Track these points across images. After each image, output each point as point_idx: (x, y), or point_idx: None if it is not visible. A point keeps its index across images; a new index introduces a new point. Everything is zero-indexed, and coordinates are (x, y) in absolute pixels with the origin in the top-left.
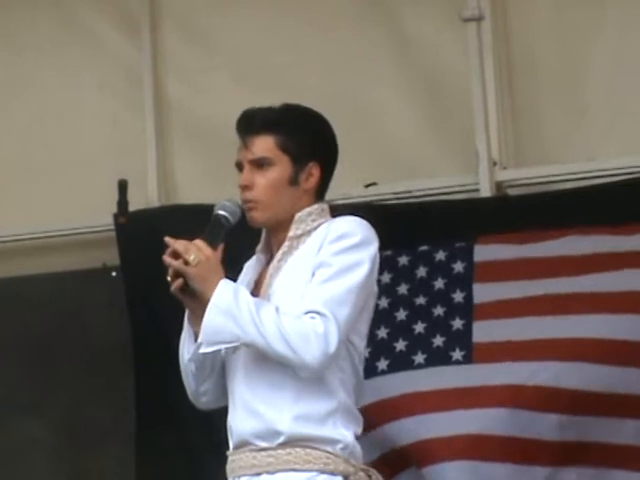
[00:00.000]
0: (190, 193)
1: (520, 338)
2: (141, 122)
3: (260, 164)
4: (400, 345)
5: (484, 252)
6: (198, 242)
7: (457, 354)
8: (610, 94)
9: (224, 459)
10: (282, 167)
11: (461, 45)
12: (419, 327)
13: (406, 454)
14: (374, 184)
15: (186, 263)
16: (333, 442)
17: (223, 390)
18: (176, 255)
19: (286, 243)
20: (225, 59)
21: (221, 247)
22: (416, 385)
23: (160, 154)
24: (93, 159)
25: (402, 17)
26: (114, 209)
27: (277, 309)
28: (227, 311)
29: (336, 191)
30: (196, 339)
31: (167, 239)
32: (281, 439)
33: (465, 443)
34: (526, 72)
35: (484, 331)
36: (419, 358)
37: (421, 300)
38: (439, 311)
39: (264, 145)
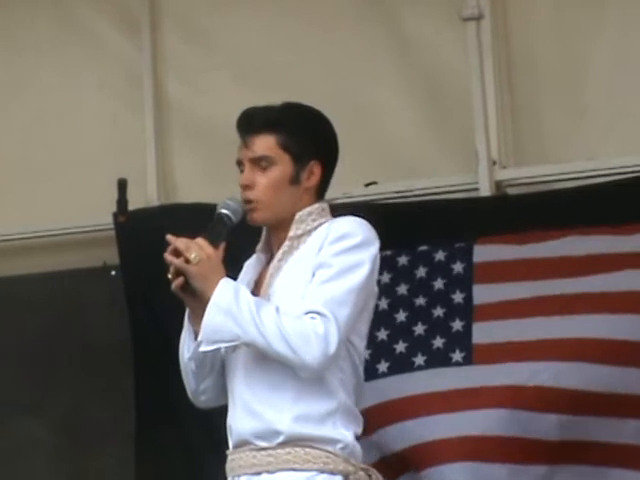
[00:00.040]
0: (189, 192)
1: (520, 339)
2: (141, 122)
3: (261, 163)
4: (400, 347)
5: (484, 253)
6: (199, 240)
7: (457, 355)
8: (610, 94)
9: (224, 458)
10: (283, 166)
11: (461, 45)
12: (419, 329)
13: (406, 457)
14: (374, 183)
15: (187, 261)
16: (333, 442)
17: (223, 389)
18: (177, 253)
19: (286, 243)
20: (225, 59)
21: (222, 246)
22: (416, 387)
23: (160, 154)
24: (93, 159)
25: (402, 17)
26: (114, 208)
27: (277, 309)
28: (227, 310)
29: (336, 190)
30: (196, 338)
31: (168, 237)
32: (281, 439)
33: (466, 445)
34: (526, 72)
35: (484, 332)
36: (419, 360)
37: (421, 301)
38: (439, 312)
39: (265, 144)
